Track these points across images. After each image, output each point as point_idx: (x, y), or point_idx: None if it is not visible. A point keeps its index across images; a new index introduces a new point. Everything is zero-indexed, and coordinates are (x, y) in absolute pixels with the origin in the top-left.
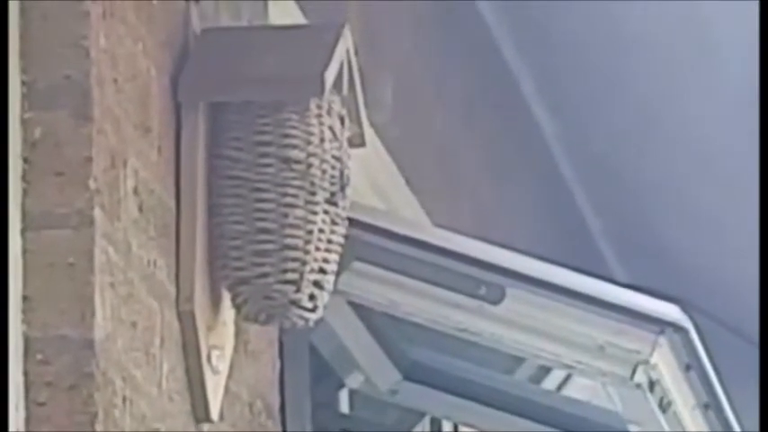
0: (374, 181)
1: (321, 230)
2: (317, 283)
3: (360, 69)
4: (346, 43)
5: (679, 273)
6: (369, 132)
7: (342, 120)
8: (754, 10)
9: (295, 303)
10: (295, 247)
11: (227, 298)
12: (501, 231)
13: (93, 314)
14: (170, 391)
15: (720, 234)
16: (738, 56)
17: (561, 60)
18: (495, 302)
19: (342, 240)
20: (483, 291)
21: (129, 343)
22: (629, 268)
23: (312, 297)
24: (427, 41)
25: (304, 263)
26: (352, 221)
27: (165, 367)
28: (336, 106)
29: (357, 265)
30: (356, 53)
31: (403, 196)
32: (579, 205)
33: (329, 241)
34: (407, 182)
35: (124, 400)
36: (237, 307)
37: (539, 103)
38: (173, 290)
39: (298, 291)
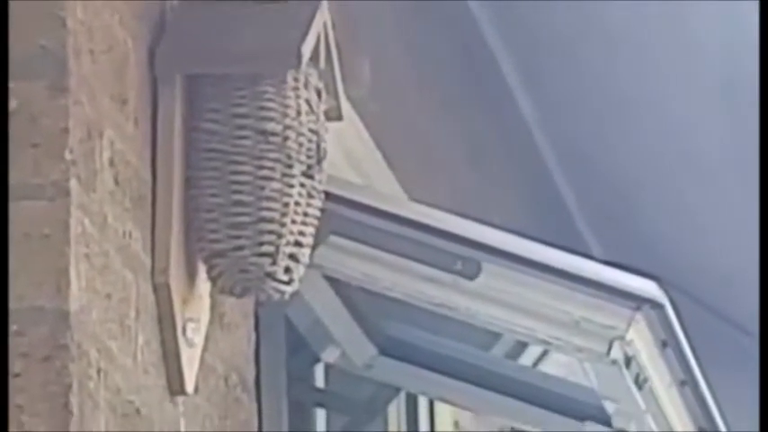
0: (351, 155)
1: (297, 203)
2: (292, 256)
3: (338, 43)
4: (323, 17)
5: (656, 251)
6: (346, 107)
7: (319, 93)
8: (735, 8)
9: (270, 276)
10: (271, 220)
11: (202, 270)
12: (478, 208)
13: (68, 285)
14: (145, 364)
15: (697, 212)
16: (719, 52)
17: (541, 41)
18: (472, 277)
19: (318, 213)
20: (459, 266)
21: (104, 314)
22: (607, 247)
23: (288, 270)
24: (408, 19)
25: (280, 236)
26: (328, 195)
27: (141, 339)
28: (313, 79)
29: (333, 238)
30: (334, 28)
31: (380, 171)
32: (557, 184)
33: (305, 214)
34: (385, 157)
35: (99, 371)
36: (213, 279)
37: (518, 83)
38: (148, 262)
39: (273, 263)
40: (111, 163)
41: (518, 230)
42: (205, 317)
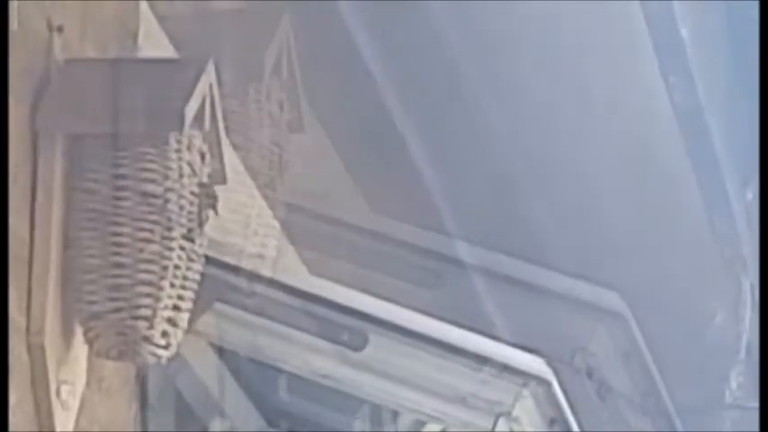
0: (249, 225)
1: (177, 266)
2: (170, 320)
3: (235, 110)
4: (209, 78)
5: (559, 331)
6: (245, 177)
7: (202, 156)
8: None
9: (147, 340)
10: (149, 283)
11: (79, 332)
12: (380, 286)
13: None
14: (16, 426)
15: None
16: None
17: (445, 112)
18: (358, 349)
19: (198, 277)
20: (346, 337)
21: None
22: (512, 325)
23: (165, 334)
24: (308, 86)
25: (158, 299)
26: (215, 261)
27: (13, 400)
28: (197, 141)
29: (219, 306)
30: (232, 94)
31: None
32: (463, 261)
33: (185, 278)
34: (284, 229)
35: None
36: (90, 342)
37: (422, 155)
38: (23, 322)
39: (150, 327)
40: None
41: (421, 307)
42: (81, 379)
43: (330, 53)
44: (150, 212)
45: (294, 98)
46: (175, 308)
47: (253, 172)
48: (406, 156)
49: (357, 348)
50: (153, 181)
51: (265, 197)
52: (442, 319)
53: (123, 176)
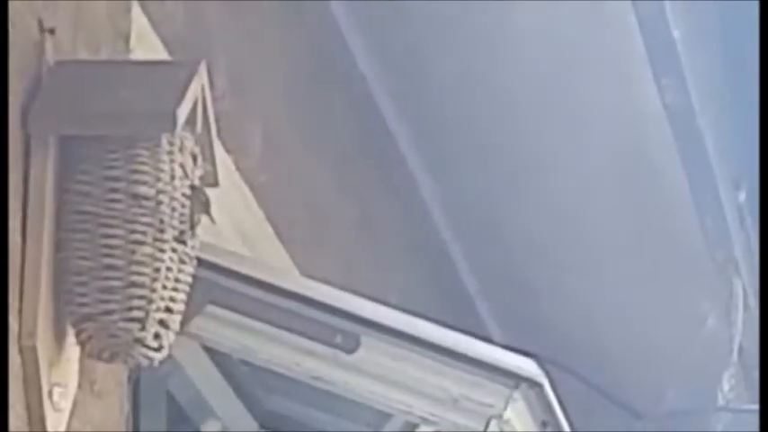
0: (241, 228)
1: (169, 269)
2: (162, 322)
3: (227, 111)
4: (201, 80)
5: (553, 335)
6: (236, 177)
7: (194, 158)
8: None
9: (140, 342)
10: (141, 285)
11: (71, 334)
12: (373, 287)
13: None
14: (8, 428)
15: (592, 296)
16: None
17: (439, 116)
18: (350, 351)
19: (190, 279)
20: (338, 339)
21: None
22: (506, 329)
23: (157, 336)
24: (300, 89)
25: (150, 301)
26: (207, 264)
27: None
28: (189, 143)
29: (211, 308)
30: (224, 96)
31: (270, 245)
32: (456, 264)
33: (177, 280)
34: (276, 231)
35: None
36: (82, 344)
37: (415, 159)
38: (15, 324)
39: (143, 329)
40: None
41: (415, 309)
42: (73, 382)
43: (324, 56)
44: (142, 214)
45: (208, 151)
46: (168, 310)
47: (162, 225)
48: (400, 159)
49: (349, 351)
50: (145, 183)
51: (174, 250)
52: (433, 321)
53: (115, 178)
